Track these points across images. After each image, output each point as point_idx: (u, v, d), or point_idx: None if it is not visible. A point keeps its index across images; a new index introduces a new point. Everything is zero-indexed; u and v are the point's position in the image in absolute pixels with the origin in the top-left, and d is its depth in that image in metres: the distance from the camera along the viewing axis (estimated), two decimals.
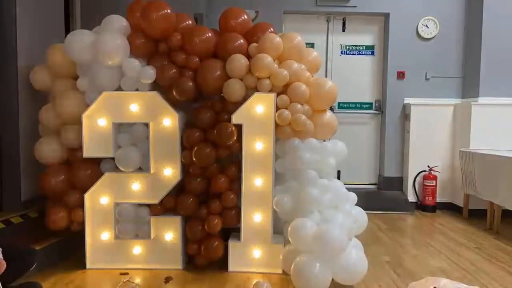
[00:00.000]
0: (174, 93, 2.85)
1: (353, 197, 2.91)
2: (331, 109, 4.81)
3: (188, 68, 2.92)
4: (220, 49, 2.95)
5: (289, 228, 2.62)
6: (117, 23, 2.94)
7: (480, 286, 2.77)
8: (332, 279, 2.54)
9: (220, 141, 2.82)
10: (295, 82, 2.86)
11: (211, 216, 2.87)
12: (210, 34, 2.95)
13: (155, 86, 2.94)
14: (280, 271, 2.85)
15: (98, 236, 2.92)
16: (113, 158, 2.93)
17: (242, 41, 2.96)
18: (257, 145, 2.84)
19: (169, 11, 2.86)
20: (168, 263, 2.93)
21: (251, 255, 2.89)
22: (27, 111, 3.27)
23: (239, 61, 2.84)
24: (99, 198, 2.90)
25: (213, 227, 2.84)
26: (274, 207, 2.82)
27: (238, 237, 2.90)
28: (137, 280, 2.75)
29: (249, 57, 2.92)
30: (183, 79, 2.86)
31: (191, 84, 2.86)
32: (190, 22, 3.09)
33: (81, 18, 4.79)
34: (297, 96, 2.83)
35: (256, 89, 2.89)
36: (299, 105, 2.82)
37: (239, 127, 2.84)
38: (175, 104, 2.94)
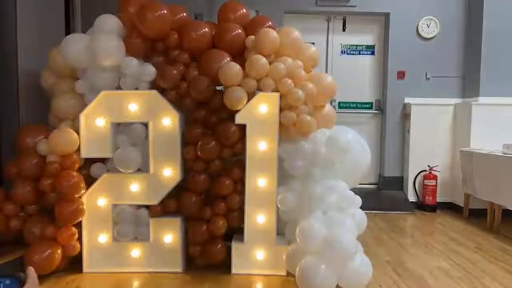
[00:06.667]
0: (192, 94, 2.84)
1: (358, 200, 2.81)
2: None
3: (189, 65, 2.93)
4: (218, 39, 2.95)
5: (297, 230, 2.58)
6: (110, 23, 2.91)
7: (481, 286, 2.77)
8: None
9: (223, 141, 2.81)
10: (302, 81, 2.84)
11: (216, 217, 2.84)
12: (207, 29, 2.96)
13: (155, 85, 2.92)
14: (284, 273, 2.81)
15: (95, 238, 2.87)
16: (103, 162, 2.92)
17: (240, 30, 2.95)
18: (260, 145, 2.81)
19: (165, 11, 2.85)
20: (167, 265, 2.89)
21: (254, 257, 2.85)
22: (28, 111, 3.27)
23: (232, 69, 2.77)
24: (96, 200, 2.85)
25: (218, 229, 2.82)
26: (279, 205, 2.79)
27: (241, 239, 2.87)
28: (136, 283, 2.76)
29: (245, 49, 2.91)
30: (199, 79, 2.84)
31: (206, 83, 2.83)
32: (184, 14, 3.08)
33: (81, 18, 4.79)
34: (303, 94, 2.79)
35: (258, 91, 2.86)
36: (303, 105, 2.80)
37: (242, 127, 2.82)
38: (174, 104, 2.93)
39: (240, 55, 2.98)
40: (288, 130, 2.83)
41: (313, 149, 2.73)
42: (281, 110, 2.80)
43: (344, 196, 2.68)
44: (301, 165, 2.77)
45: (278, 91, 2.80)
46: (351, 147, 2.69)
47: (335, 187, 2.70)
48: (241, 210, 2.87)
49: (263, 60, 2.78)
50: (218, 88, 2.96)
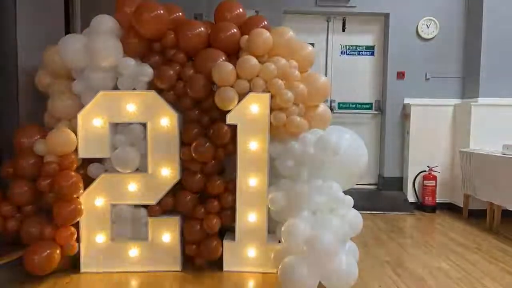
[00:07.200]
0: (189, 93, 2.85)
1: (349, 200, 2.77)
2: (331, 109, 4.80)
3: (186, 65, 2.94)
4: (214, 38, 2.95)
5: (283, 229, 2.60)
6: (107, 23, 2.92)
7: (480, 287, 2.77)
8: (321, 284, 2.51)
9: (216, 141, 2.82)
10: (294, 82, 2.85)
11: (210, 215, 2.86)
12: (202, 28, 2.97)
13: (152, 85, 2.92)
14: (275, 271, 2.83)
15: (93, 238, 2.87)
16: (100, 162, 2.92)
17: (235, 30, 2.95)
18: (252, 145, 2.83)
19: (161, 11, 2.85)
20: (166, 265, 2.90)
21: (246, 255, 2.88)
22: (27, 111, 3.27)
23: (226, 69, 2.77)
24: (94, 200, 2.85)
25: (212, 227, 2.83)
26: (269, 205, 2.81)
27: (233, 237, 2.89)
28: (134, 282, 2.76)
29: (240, 49, 2.92)
30: (195, 78, 2.85)
31: (203, 82, 2.84)
32: (180, 14, 3.09)
33: (81, 18, 4.79)
34: (293, 96, 2.80)
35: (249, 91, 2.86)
36: (294, 106, 2.80)
37: (234, 127, 2.82)
38: (172, 104, 2.93)
39: (235, 54, 2.98)
40: (278, 130, 2.84)
41: (302, 149, 2.74)
42: (272, 110, 2.81)
43: (333, 197, 2.67)
44: (291, 165, 2.77)
45: (269, 91, 2.81)
46: (341, 148, 2.66)
47: (323, 187, 2.69)
48: (233, 208, 2.89)
49: (253, 61, 2.78)
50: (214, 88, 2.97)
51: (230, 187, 2.90)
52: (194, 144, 2.81)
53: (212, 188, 2.86)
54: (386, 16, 5.37)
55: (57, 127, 2.92)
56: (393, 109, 5.38)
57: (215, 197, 2.89)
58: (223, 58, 2.90)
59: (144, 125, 2.91)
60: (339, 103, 5.51)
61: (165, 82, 2.86)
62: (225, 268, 2.89)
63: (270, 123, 2.81)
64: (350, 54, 5.55)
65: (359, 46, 5.55)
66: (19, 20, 3.24)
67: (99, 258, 2.88)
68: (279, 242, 2.81)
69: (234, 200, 2.88)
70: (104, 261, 2.88)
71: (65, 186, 2.71)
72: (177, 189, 2.93)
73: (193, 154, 2.81)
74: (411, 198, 5.21)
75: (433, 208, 5.01)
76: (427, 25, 5.26)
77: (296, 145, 2.75)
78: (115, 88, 2.92)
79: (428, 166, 5.08)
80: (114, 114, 2.87)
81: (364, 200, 4.83)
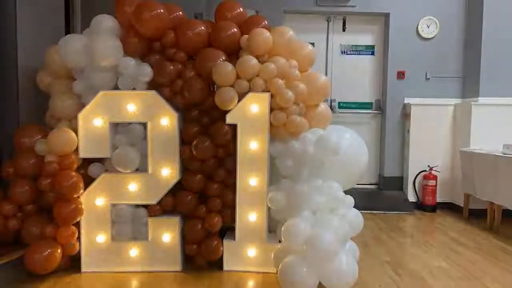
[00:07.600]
0: (186, 96, 2.85)
1: (350, 200, 2.78)
2: (332, 109, 4.80)
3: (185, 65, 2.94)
4: (214, 38, 2.95)
5: (283, 228, 2.60)
6: (107, 23, 2.92)
7: (481, 286, 2.77)
8: (321, 284, 2.51)
9: (216, 141, 2.82)
10: (294, 82, 2.85)
11: (212, 214, 2.86)
12: (203, 28, 2.97)
13: (152, 85, 2.92)
14: (275, 270, 2.82)
15: (94, 238, 2.87)
16: (100, 161, 2.92)
17: (235, 29, 2.95)
18: (252, 145, 2.82)
19: (161, 10, 2.86)
20: (166, 265, 2.90)
21: (246, 254, 2.88)
22: (28, 111, 3.28)
23: (226, 68, 2.77)
24: (94, 200, 2.85)
25: (213, 225, 2.84)
26: (269, 204, 2.81)
27: (233, 236, 2.89)
28: (135, 283, 2.77)
29: (240, 49, 2.92)
30: (193, 81, 2.85)
31: (201, 86, 2.86)
32: (180, 13, 3.09)
33: (81, 18, 4.80)
34: (293, 96, 2.81)
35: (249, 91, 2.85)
36: (294, 105, 2.80)
37: (234, 126, 2.82)
38: (171, 102, 2.92)
39: (235, 54, 2.98)
40: (278, 130, 2.84)
41: (302, 149, 2.73)
42: (272, 110, 2.81)
43: (333, 197, 2.67)
44: (291, 165, 2.77)
45: (269, 91, 2.81)
46: (341, 148, 2.67)
47: (323, 187, 2.68)
48: (234, 208, 2.88)
49: (253, 60, 2.78)
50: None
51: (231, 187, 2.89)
52: (194, 141, 2.81)
53: (212, 188, 2.87)
54: (386, 15, 5.37)
55: (57, 127, 2.92)
56: (394, 109, 5.38)
57: (217, 196, 2.89)
58: (223, 57, 2.90)
59: (144, 125, 2.91)
60: (339, 103, 5.51)
61: (165, 76, 2.86)
62: (225, 268, 2.89)
63: (270, 122, 2.81)
64: (350, 54, 5.56)
65: (359, 45, 5.55)
66: (19, 20, 3.25)
67: (99, 258, 2.88)
68: (279, 241, 2.81)
69: (234, 200, 2.87)
70: (104, 261, 2.88)
71: (65, 186, 2.71)
72: (177, 189, 2.92)
73: (193, 152, 2.81)
74: (411, 197, 5.21)
75: (434, 208, 5.02)
76: (427, 25, 5.26)
77: (296, 145, 2.75)
78: (115, 88, 2.92)
79: (428, 166, 5.08)
80: (114, 114, 2.87)
81: (364, 200, 4.82)
